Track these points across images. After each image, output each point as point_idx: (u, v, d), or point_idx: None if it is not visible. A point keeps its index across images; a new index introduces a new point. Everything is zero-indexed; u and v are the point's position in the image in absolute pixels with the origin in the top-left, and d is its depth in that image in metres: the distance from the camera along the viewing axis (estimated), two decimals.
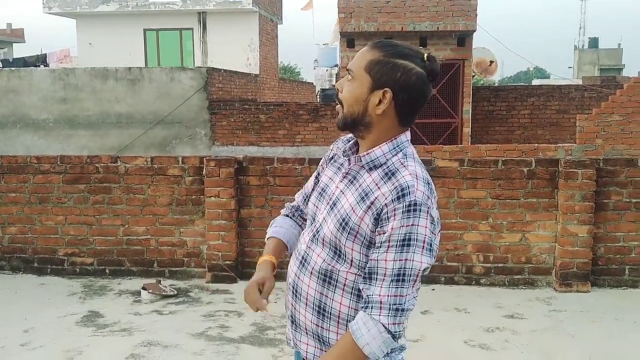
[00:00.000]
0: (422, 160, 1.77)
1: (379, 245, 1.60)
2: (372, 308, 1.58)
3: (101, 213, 5.84)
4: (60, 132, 14.60)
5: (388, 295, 1.57)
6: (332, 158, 1.87)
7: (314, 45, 24.46)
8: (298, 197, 2.02)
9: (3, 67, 18.25)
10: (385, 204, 1.59)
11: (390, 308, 1.57)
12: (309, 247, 1.76)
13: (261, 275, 1.83)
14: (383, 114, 1.65)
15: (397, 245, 1.57)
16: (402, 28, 12.20)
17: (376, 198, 1.61)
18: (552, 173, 5.38)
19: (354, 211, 1.64)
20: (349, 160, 1.75)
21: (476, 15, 12.15)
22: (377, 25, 12.24)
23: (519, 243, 5.48)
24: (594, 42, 48.07)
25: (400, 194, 1.58)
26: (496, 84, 24.59)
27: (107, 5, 20.36)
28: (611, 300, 5.14)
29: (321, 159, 1.95)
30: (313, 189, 1.89)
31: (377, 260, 1.59)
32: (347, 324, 1.69)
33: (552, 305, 5.06)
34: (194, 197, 5.73)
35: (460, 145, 10.91)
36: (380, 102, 1.64)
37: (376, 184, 1.64)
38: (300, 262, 1.78)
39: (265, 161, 5.68)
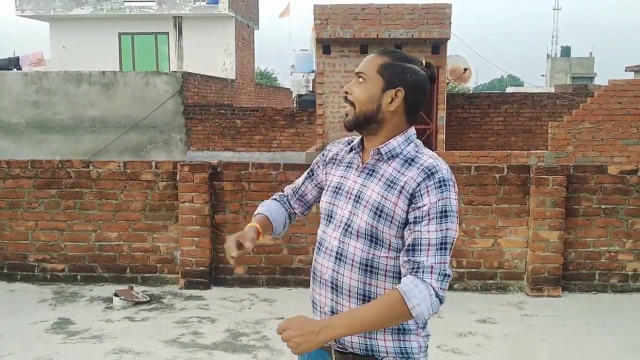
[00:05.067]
0: None
1: (420, 219, 1.72)
2: (423, 272, 1.69)
3: (73, 218, 5.76)
4: (33, 136, 14.38)
5: (436, 263, 1.70)
6: (332, 159, 2.00)
7: (290, 51, 24.42)
8: (287, 189, 2.17)
9: None
10: (418, 183, 1.74)
11: (439, 273, 1.70)
12: (342, 242, 1.84)
13: (244, 232, 1.93)
14: (395, 111, 1.82)
15: (436, 217, 1.72)
16: (377, 35, 12.27)
17: (405, 182, 1.76)
18: (523, 179, 5.45)
19: (385, 198, 1.78)
20: (359, 156, 1.89)
21: (450, 23, 12.27)
22: (352, 32, 12.30)
23: (491, 248, 5.53)
24: (566, 51, 48.82)
25: (428, 172, 1.75)
26: (471, 92, 24.85)
27: (81, 9, 20.15)
28: (581, 305, 5.22)
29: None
30: (326, 190, 1.97)
31: (421, 232, 1.72)
32: None
33: (523, 309, 5.12)
34: (167, 202, 5.69)
35: (434, 152, 10.99)
36: (392, 100, 1.81)
37: (398, 171, 1.79)
38: (336, 257, 1.85)
39: (240, 166, 5.66)
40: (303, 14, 22.41)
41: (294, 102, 21.22)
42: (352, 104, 1.84)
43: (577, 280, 5.54)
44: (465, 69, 13.99)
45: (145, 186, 5.69)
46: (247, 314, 4.98)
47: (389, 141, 1.83)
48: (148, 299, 5.26)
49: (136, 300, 5.18)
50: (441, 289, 1.69)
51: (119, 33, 20.30)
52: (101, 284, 5.73)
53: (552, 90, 22.24)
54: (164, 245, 5.73)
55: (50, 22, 20.79)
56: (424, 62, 1.86)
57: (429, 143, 12.84)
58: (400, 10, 12.24)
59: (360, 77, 1.83)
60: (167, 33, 20.21)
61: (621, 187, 5.44)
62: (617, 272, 5.51)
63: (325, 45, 12.67)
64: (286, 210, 2.12)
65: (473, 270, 5.56)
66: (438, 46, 12.65)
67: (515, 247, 5.52)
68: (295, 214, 2.15)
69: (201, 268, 5.59)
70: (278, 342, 4.10)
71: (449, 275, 1.72)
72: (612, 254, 5.49)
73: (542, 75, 46.74)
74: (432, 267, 1.69)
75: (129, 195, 5.71)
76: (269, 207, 2.09)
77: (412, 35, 12.25)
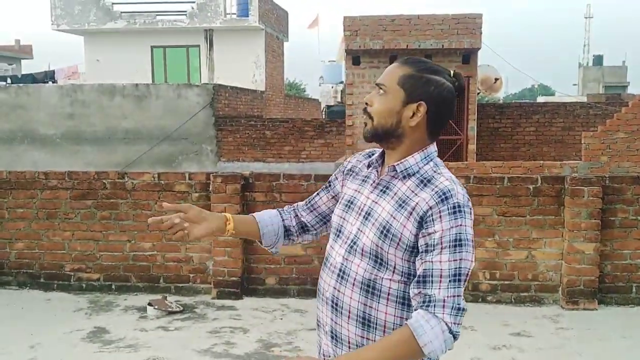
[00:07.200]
0: None
1: (432, 247, 1.61)
2: (435, 306, 1.57)
3: (108, 229, 5.86)
4: (68, 147, 14.68)
5: (448, 296, 1.58)
6: (350, 171, 1.89)
7: (319, 62, 24.52)
8: (301, 202, 2.06)
9: (12, 83, 18.40)
10: (430, 207, 1.62)
11: (452, 307, 1.57)
12: (346, 259, 1.74)
13: (204, 214, 1.86)
14: (415, 127, 1.71)
15: (450, 246, 1.59)
16: (407, 46, 12.27)
17: (417, 203, 1.64)
18: (558, 190, 5.38)
19: (394, 218, 1.66)
20: (377, 171, 1.79)
21: (481, 33, 12.22)
22: (382, 43, 12.32)
23: (525, 260, 5.46)
24: (598, 60, 48.15)
25: (442, 197, 1.63)
26: (501, 101, 24.63)
27: (114, 23, 20.55)
28: (618, 318, 5.11)
29: (330, 175, 1.97)
30: (339, 203, 1.88)
31: (432, 262, 1.60)
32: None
33: (559, 323, 5.03)
34: None
35: (465, 162, 10.93)
36: (413, 114, 1.69)
37: (412, 191, 1.68)
38: (338, 274, 1.75)
39: (272, 177, 5.70)
40: (332, 25, 22.53)
41: (323, 113, 21.29)
42: (370, 116, 1.73)
43: (614, 293, 5.43)
44: (496, 79, 13.89)
45: (179, 197, 5.76)
46: (278, 324, 5.00)
47: (406, 158, 1.71)
48: (181, 308, 5.32)
49: (169, 310, 5.23)
50: (455, 323, 1.56)
51: (151, 46, 20.66)
52: (135, 293, 5.80)
53: (585, 99, 21.92)
54: (197, 255, 5.79)
55: (85, 35, 21.25)
56: (452, 72, 1.75)
57: (460, 154, 12.76)
58: (430, 20, 12.24)
59: (380, 88, 1.73)
60: (198, 46, 20.49)
61: None
62: None
63: (354, 57, 12.71)
64: (283, 219, 1.99)
65: (507, 282, 5.49)
66: (468, 56, 12.60)
67: (549, 259, 5.44)
68: (303, 224, 2.00)
69: (233, 278, 5.63)
70: (310, 353, 4.10)
71: (463, 309, 1.59)
72: None
73: (574, 85, 46.15)
74: (444, 300, 1.57)
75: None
76: (262, 212, 2.00)
77: (443, 46, 12.23)
